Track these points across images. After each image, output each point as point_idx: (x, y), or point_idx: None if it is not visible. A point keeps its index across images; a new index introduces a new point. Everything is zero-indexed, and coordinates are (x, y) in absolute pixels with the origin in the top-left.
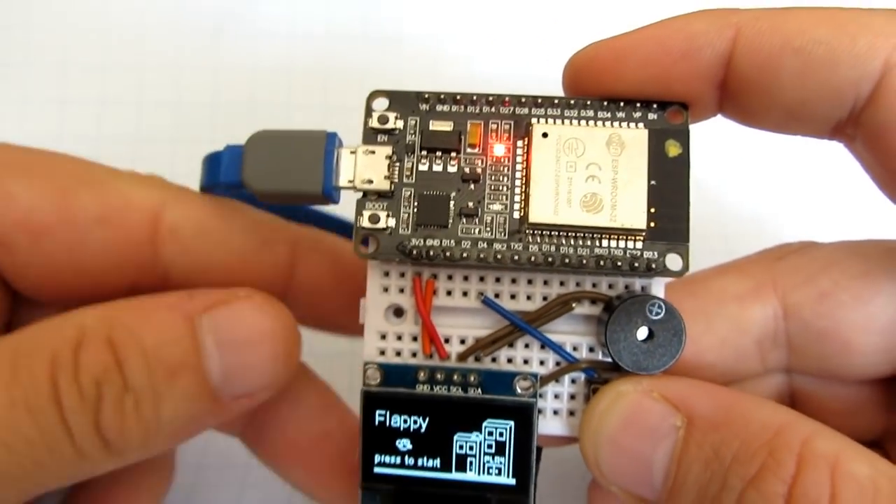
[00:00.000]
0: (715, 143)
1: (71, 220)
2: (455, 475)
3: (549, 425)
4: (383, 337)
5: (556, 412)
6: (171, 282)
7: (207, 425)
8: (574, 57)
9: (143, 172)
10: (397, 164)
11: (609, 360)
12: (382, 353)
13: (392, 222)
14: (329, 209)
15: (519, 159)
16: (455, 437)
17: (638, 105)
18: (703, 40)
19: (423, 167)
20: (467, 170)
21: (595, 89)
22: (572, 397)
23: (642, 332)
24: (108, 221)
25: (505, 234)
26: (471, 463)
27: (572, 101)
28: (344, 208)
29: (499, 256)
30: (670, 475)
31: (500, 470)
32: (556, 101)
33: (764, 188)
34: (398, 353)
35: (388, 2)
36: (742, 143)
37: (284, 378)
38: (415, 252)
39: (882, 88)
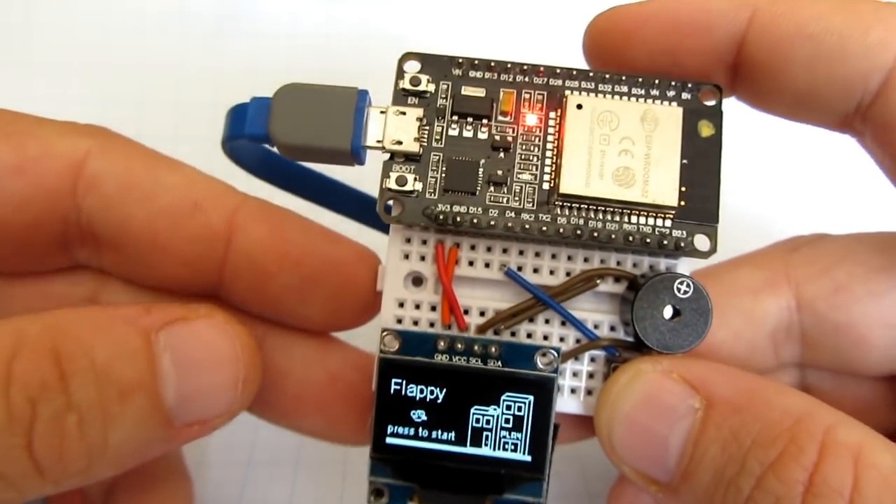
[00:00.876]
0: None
1: None
2: (469, 449)
3: (565, 403)
4: (401, 305)
5: (573, 391)
6: (100, 239)
7: (154, 453)
8: (594, 21)
9: (84, 123)
10: (427, 127)
11: (631, 339)
12: (399, 321)
13: (419, 186)
14: (347, 179)
15: (551, 130)
16: (472, 410)
17: (672, 83)
18: (719, 18)
19: (453, 132)
20: (498, 137)
21: (611, 56)
22: (591, 376)
23: (668, 311)
24: (24, 171)
25: (533, 205)
26: (486, 437)
27: (607, 75)
28: (359, 182)
29: (527, 226)
30: (686, 456)
31: (515, 446)
32: (590, 74)
33: (771, 185)
34: (415, 322)
35: (389, 2)
36: (747, 142)
37: (242, 405)
38: (441, 217)
39: (891, 82)
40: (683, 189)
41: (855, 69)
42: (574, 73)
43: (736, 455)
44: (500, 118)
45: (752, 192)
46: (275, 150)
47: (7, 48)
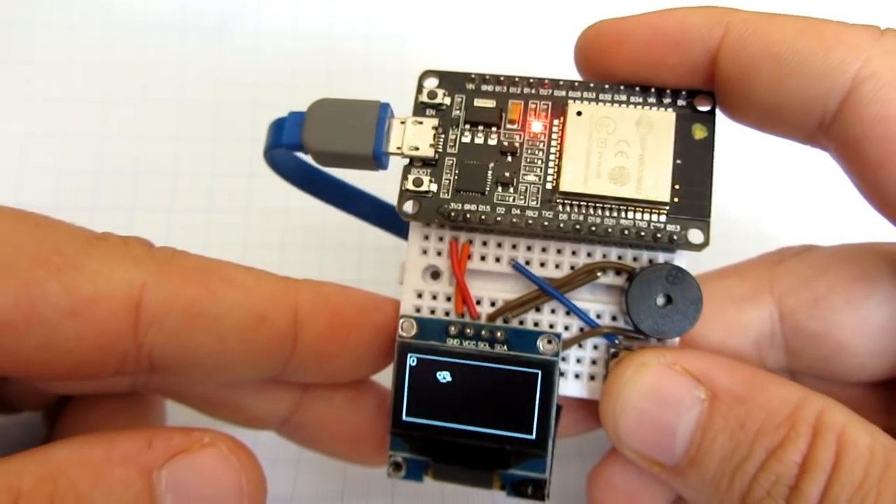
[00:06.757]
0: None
1: (37, 317)
2: (479, 427)
3: (570, 387)
4: (419, 295)
5: (577, 375)
6: (158, 366)
7: None
8: (583, 33)
9: (122, 236)
10: (442, 135)
11: (630, 328)
12: (418, 310)
13: (434, 187)
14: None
15: (554, 136)
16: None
17: (668, 91)
18: (696, 34)
19: (466, 139)
20: (506, 143)
21: (598, 68)
22: (593, 362)
23: (661, 299)
24: (79, 314)
25: (537, 203)
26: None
27: (606, 86)
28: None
29: (530, 222)
30: (694, 444)
31: None
32: (591, 85)
33: (765, 193)
34: (432, 311)
35: (391, 1)
36: (741, 150)
37: None
38: (453, 215)
39: (848, 103)
40: (677, 187)
41: (815, 89)
42: (576, 84)
43: (743, 442)
44: (508, 126)
45: (744, 194)
46: (308, 158)
47: (10, 45)
